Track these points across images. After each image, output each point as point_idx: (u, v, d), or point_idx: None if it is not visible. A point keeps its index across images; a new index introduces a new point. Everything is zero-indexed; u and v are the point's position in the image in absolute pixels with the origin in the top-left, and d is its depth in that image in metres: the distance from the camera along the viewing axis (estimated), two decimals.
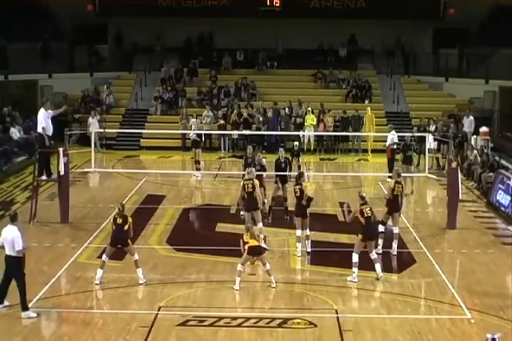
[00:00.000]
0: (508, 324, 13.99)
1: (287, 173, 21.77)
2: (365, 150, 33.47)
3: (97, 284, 15.84)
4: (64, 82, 36.32)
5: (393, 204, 18.40)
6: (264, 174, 21.53)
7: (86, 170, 25.81)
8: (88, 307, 14.87)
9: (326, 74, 38.20)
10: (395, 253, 18.27)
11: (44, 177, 21.82)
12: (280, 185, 21.36)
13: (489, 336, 11.43)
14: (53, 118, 21.75)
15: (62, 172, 20.86)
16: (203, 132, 30.06)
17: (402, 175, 23.97)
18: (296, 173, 20.04)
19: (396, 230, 18.37)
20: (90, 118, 33.48)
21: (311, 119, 33.75)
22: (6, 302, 14.51)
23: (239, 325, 13.96)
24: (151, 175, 28.05)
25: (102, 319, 14.23)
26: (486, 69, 35.31)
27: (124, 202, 20.50)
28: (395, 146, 27.58)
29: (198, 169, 27.67)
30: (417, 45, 39.14)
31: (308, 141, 33.63)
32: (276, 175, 21.49)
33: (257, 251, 15.76)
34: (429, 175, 24.24)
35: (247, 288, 15.77)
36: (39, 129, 21.33)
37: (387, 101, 36.92)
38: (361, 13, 38.02)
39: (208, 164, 30.63)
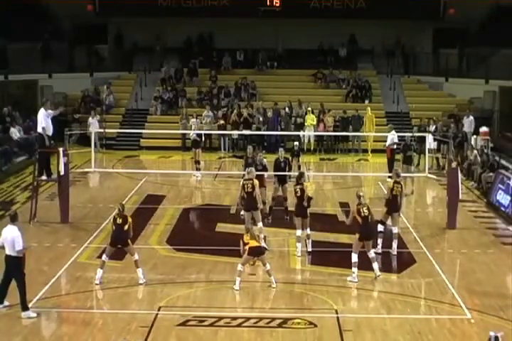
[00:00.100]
0: (508, 324, 14.00)
1: (286, 173, 21.78)
2: (365, 150, 33.47)
3: (97, 284, 15.84)
4: (64, 82, 36.33)
5: (392, 204, 18.40)
6: (266, 174, 21.53)
7: (86, 170, 25.81)
8: (88, 307, 14.87)
9: (326, 74, 38.20)
10: (395, 253, 18.27)
11: (44, 177, 21.82)
12: (277, 185, 21.36)
13: (492, 334, 11.42)
14: (53, 119, 21.75)
15: (62, 172, 20.86)
16: (203, 132, 30.07)
17: (403, 175, 24.01)
18: (295, 173, 20.05)
19: (395, 230, 18.37)
20: (90, 118, 33.48)
21: (311, 119, 33.76)
22: (6, 302, 14.51)
23: (239, 325, 13.96)
24: (151, 175, 28.05)
25: (102, 319, 14.23)
26: (486, 69, 35.31)
27: (124, 202, 20.54)
28: (395, 146, 27.59)
29: (198, 169, 27.67)
30: (417, 45, 39.15)
31: (309, 141, 33.64)
32: (275, 175, 21.50)
33: (257, 252, 15.76)
34: (429, 175, 24.24)
35: (247, 288, 15.77)
36: (39, 129, 21.33)
37: (387, 101, 36.92)
38: (361, 13, 38.03)
39: (208, 164, 30.63)
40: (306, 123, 33.86)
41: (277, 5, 37.82)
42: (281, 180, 21.47)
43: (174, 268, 17.22)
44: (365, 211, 16.42)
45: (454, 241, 19.91)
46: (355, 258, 16.24)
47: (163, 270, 17.06)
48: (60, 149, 21.00)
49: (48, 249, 18.44)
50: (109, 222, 17.54)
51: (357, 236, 16.42)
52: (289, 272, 17.17)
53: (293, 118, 34.59)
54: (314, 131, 33.42)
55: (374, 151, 32.66)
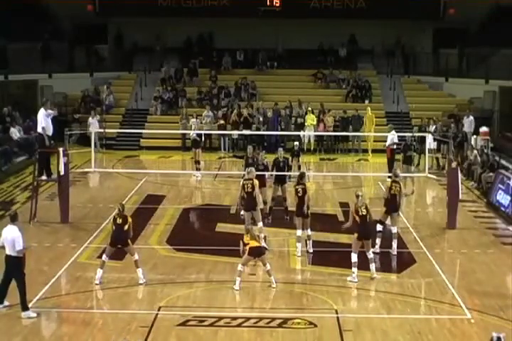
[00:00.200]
0: (508, 324, 14.00)
1: (286, 173, 21.78)
2: (365, 150, 33.48)
3: (97, 284, 15.84)
4: (64, 82, 36.33)
5: (391, 204, 18.40)
6: (267, 174, 21.52)
7: (86, 170, 25.81)
8: (88, 307, 14.87)
9: (326, 74, 38.20)
10: (395, 253, 18.27)
11: (44, 177, 21.82)
12: (276, 185, 21.35)
13: (494, 335, 11.41)
14: (53, 119, 21.76)
15: (62, 172, 20.86)
16: (203, 132, 30.08)
17: (403, 175, 24.03)
18: (295, 173, 20.02)
19: (395, 230, 18.37)
20: (90, 118, 33.48)
21: (311, 119, 33.76)
22: (6, 302, 14.51)
23: (239, 325, 13.96)
24: (151, 175, 28.05)
25: (102, 319, 14.23)
26: (486, 69, 35.31)
27: (124, 202, 20.54)
28: (395, 146, 27.60)
29: (198, 169, 27.67)
30: (417, 45, 39.15)
31: (309, 141, 33.64)
32: (275, 175, 21.49)
33: (257, 252, 15.77)
34: (429, 175, 24.23)
35: (247, 288, 15.77)
36: (39, 129, 21.33)
37: (387, 101, 36.92)
38: (361, 13, 38.02)
39: (208, 164, 30.63)
40: (306, 123, 33.86)
41: (277, 5, 37.82)
42: (281, 180, 21.47)
43: (174, 268, 17.22)
44: (364, 210, 16.45)
45: (454, 241, 19.92)
46: (354, 258, 16.25)
47: (163, 270, 17.06)
48: (60, 149, 20.99)
49: (48, 249, 18.44)
50: (109, 222, 17.54)
51: (355, 235, 16.46)
52: (289, 272, 17.17)
53: (293, 119, 34.59)
54: (314, 131, 33.42)
55: (374, 151, 32.66)
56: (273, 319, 14.18)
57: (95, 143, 27.63)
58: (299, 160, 25.58)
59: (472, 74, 36.56)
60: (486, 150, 28.46)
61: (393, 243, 18.31)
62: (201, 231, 21.20)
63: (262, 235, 18.17)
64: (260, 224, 18.62)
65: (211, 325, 13.95)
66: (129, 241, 16.01)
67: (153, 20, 38.23)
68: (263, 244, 16.98)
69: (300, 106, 35.01)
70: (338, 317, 14.27)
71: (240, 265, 15.76)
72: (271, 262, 16.52)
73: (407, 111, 36.19)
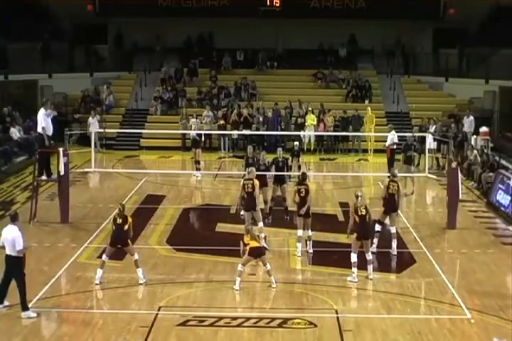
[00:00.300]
0: (508, 324, 13.99)
1: (285, 173, 21.78)
2: (365, 150, 33.48)
3: (97, 284, 15.83)
4: (64, 82, 36.33)
5: (390, 204, 18.40)
6: (268, 174, 21.51)
7: (86, 170, 25.81)
8: (88, 307, 14.87)
9: (326, 74, 38.21)
10: (395, 253, 18.27)
11: (44, 177, 21.82)
12: (275, 185, 21.34)
13: (496, 340, 11.40)
14: (53, 118, 21.77)
15: (62, 172, 20.85)
16: (203, 132, 30.07)
17: (403, 175, 24.04)
18: (295, 173, 19.99)
19: (394, 230, 18.37)
20: (90, 118, 33.47)
21: (311, 119, 33.76)
22: (6, 302, 14.51)
23: (239, 325, 13.96)
24: (151, 175, 28.05)
25: (102, 319, 14.23)
26: (486, 69, 35.31)
27: (124, 202, 20.55)
28: (395, 146, 27.60)
29: (198, 169, 27.67)
30: (417, 45, 39.15)
31: (309, 141, 33.64)
32: (274, 175, 21.50)
33: (258, 253, 15.76)
34: (429, 175, 24.23)
35: (247, 288, 15.76)
36: (39, 129, 21.33)
37: (387, 101, 36.93)
38: (361, 13, 38.03)
39: (208, 164, 30.62)
40: (306, 123, 33.86)
41: (277, 5, 37.83)
42: (280, 180, 21.45)
43: (174, 268, 17.22)
44: (363, 210, 16.45)
45: (454, 241, 19.91)
46: (354, 258, 16.25)
47: (163, 270, 17.06)
48: (60, 149, 20.99)
49: (48, 249, 18.44)
50: (109, 222, 17.54)
51: (355, 235, 16.46)
52: (289, 272, 17.17)
53: (294, 119, 34.60)
54: (314, 131, 33.42)
55: (374, 151, 32.65)
56: (273, 319, 14.18)
57: (95, 143, 27.61)
58: (299, 160, 25.55)
59: (472, 74, 36.57)
60: (486, 150, 28.46)
61: (393, 243, 18.31)
62: (201, 231, 21.20)
63: (263, 235, 18.18)
64: (261, 223, 18.62)
65: (211, 325, 13.95)
66: (129, 241, 16.01)
67: (153, 20, 38.23)
68: (263, 243, 16.98)
69: (300, 106, 35.01)
70: (338, 317, 14.27)
71: (240, 265, 15.76)
72: (271, 262, 16.51)
73: (407, 111, 36.20)
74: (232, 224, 20.77)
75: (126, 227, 15.77)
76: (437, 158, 29.80)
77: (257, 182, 18.54)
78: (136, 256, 15.97)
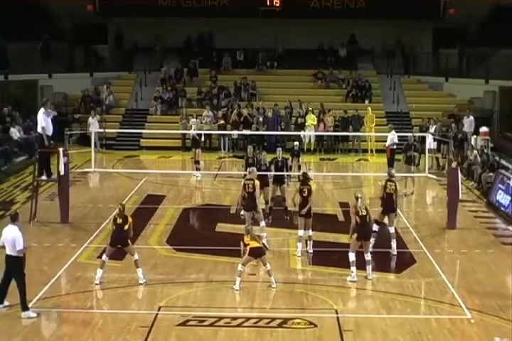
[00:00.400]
0: (508, 324, 13.99)
1: (284, 173, 21.77)
2: (365, 150, 33.48)
3: (97, 284, 15.84)
4: (64, 82, 36.34)
5: (388, 204, 18.39)
6: (268, 174, 21.51)
7: (86, 170, 25.80)
8: (88, 307, 14.87)
9: (326, 74, 38.20)
10: (395, 253, 18.27)
11: (44, 177, 21.82)
12: (274, 185, 21.33)
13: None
14: (53, 118, 21.77)
15: (62, 172, 20.86)
16: (203, 132, 30.07)
17: (403, 175, 24.05)
18: (295, 173, 19.98)
19: (392, 230, 18.36)
20: (90, 118, 33.47)
21: (311, 119, 33.76)
22: (6, 302, 14.51)
23: (239, 325, 13.96)
24: (151, 175, 28.05)
25: (102, 319, 14.23)
26: (486, 69, 35.31)
27: (124, 202, 20.55)
28: (395, 146, 27.60)
29: (198, 169, 27.67)
30: (417, 45, 39.15)
31: (309, 141, 33.63)
32: (273, 175, 21.49)
33: (258, 253, 15.77)
34: (429, 175, 24.22)
35: (247, 288, 15.76)
36: (39, 129, 21.33)
37: (387, 101, 36.92)
38: (361, 13, 38.03)
39: (208, 164, 30.63)
40: (306, 123, 33.85)
41: (277, 5, 37.84)
42: (279, 181, 21.44)
43: (174, 268, 17.22)
44: (363, 211, 16.46)
45: (454, 241, 19.91)
46: (352, 257, 16.26)
47: (163, 270, 17.06)
48: (60, 149, 20.99)
49: (48, 249, 18.44)
50: (109, 222, 17.55)
51: (355, 235, 16.45)
52: (289, 272, 17.17)
53: (293, 119, 34.59)
54: (314, 131, 33.41)
55: (376, 151, 32.67)
56: (273, 319, 14.18)
57: (95, 143, 27.60)
58: (299, 160, 25.56)
59: (472, 74, 36.58)
60: (486, 150, 28.46)
61: (392, 243, 18.30)
62: (201, 231, 21.20)
63: (264, 234, 18.18)
64: (263, 223, 18.63)
65: (211, 325, 13.95)
66: (129, 241, 16.01)
67: (153, 20, 38.23)
68: (264, 242, 16.98)
69: (300, 106, 35.01)
70: (338, 317, 14.27)
71: (240, 265, 15.76)
72: (271, 262, 16.51)
73: (407, 111, 36.19)
74: (232, 224, 20.77)
75: (126, 227, 15.77)
76: (437, 158, 29.79)
77: (257, 182, 18.54)
78: (136, 256, 15.97)
